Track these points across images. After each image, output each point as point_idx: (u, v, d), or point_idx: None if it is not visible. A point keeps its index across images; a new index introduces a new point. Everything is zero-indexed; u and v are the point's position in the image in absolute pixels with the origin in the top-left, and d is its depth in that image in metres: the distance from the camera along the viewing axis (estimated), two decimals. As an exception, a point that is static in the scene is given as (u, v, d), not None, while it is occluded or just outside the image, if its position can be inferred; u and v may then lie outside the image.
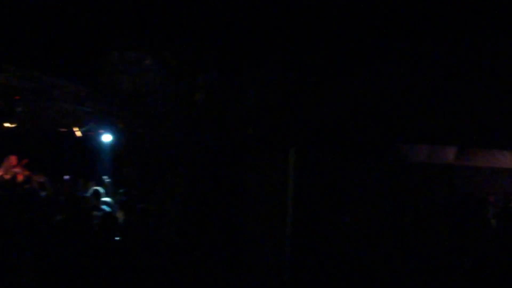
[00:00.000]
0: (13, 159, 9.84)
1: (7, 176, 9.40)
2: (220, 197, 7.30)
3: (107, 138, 11.09)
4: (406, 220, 7.00)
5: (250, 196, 7.43)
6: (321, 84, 7.29)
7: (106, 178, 10.18)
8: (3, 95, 8.47)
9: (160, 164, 9.75)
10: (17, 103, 8.77)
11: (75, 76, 8.14)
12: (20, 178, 9.52)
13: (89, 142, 11.48)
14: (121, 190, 9.74)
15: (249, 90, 7.14)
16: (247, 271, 6.94)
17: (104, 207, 8.09)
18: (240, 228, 7.37)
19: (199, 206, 7.09)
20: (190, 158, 6.80)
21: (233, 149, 7.05)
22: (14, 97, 8.64)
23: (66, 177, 10.27)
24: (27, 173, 9.84)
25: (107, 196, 9.00)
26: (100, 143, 11.23)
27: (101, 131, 11.02)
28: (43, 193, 8.56)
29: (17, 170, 9.68)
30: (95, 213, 7.09)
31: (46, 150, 11.53)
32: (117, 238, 6.02)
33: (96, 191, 8.56)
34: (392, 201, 7.39)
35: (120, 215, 7.38)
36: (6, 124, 9.16)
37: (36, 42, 6.70)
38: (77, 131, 10.99)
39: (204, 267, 6.54)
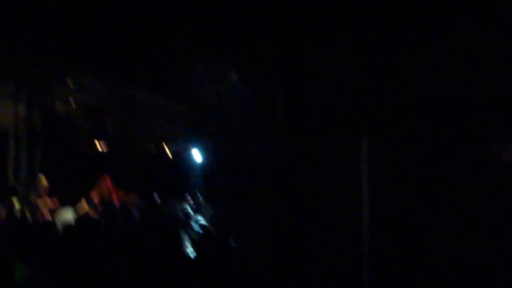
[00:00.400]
0: (107, 180, 9.89)
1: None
2: (299, 201, 6.79)
3: (196, 154, 10.92)
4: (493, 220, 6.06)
5: (323, 194, 6.87)
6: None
7: (197, 195, 9.95)
8: (93, 115, 8.46)
9: (246, 177, 9.59)
10: (107, 123, 8.72)
11: (159, 90, 7.95)
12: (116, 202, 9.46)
13: (180, 159, 11.41)
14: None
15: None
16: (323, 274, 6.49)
17: (194, 225, 8.00)
18: (315, 230, 6.87)
19: (284, 215, 6.64)
20: (272, 167, 6.46)
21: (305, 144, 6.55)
22: (105, 118, 8.60)
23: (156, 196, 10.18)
24: (120, 194, 9.87)
25: (198, 213, 8.93)
26: (190, 160, 11.14)
27: (191, 147, 10.87)
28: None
29: (111, 191, 9.52)
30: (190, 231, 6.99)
31: (137, 168, 11.59)
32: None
33: (187, 209, 8.32)
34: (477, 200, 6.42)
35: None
36: (97, 145, 9.13)
37: (119, 57, 6.58)
38: (167, 148, 10.83)
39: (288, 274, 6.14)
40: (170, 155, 11.04)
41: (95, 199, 9.21)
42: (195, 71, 7.64)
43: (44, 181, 7.79)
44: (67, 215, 7.53)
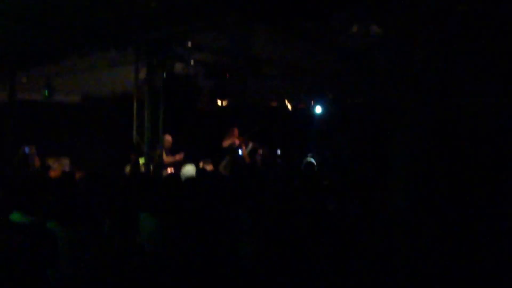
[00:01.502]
0: (235, 131, 10.12)
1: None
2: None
3: (318, 110, 10.74)
4: None
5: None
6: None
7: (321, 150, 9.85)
8: (215, 74, 8.51)
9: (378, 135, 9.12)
10: (228, 81, 8.74)
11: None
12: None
13: (300, 115, 11.29)
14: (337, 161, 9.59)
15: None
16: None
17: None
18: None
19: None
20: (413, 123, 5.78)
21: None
22: (225, 76, 8.62)
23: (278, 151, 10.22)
24: (250, 144, 10.04)
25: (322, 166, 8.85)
26: (311, 116, 11.00)
27: (312, 103, 10.69)
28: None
29: (240, 140, 9.89)
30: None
31: (258, 125, 11.64)
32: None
33: (311, 164, 8.17)
34: None
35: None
36: (219, 102, 9.22)
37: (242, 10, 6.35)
38: (288, 104, 10.68)
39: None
40: (291, 108, 10.89)
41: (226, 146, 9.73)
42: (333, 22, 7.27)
43: (167, 139, 8.07)
44: (191, 170, 7.79)
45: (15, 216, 4.35)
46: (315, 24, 6.78)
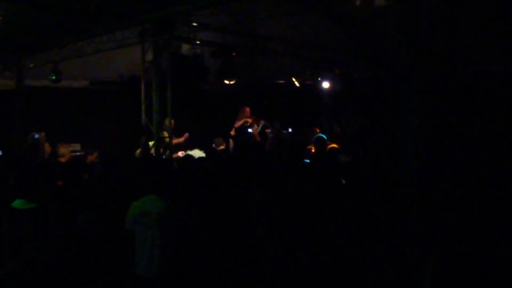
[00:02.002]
0: (247, 110, 10.19)
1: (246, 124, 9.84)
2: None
3: (325, 85, 10.64)
4: None
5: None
6: None
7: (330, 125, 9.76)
8: (221, 53, 8.40)
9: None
10: (235, 60, 8.64)
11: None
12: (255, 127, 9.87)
13: (308, 91, 11.22)
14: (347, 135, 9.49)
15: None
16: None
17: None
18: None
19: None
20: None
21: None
22: (231, 55, 8.51)
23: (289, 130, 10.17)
24: (262, 122, 10.14)
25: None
26: (319, 91, 10.89)
27: (319, 79, 10.55)
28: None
29: (252, 119, 9.99)
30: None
31: (266, 103, 11.58)
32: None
33: (320, 138, 8.17)
34: None
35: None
36: (226, 81, 9.20)
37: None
38: (295, 81, 10.58)
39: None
40: (298, 85, 10.79)
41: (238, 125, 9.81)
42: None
43: (172, 122, 8.02)
44: (197, 154, 7.78)
45: (18, 203, 4.39)
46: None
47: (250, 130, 9.52)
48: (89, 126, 10.15)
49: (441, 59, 5.54)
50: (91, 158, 7.53)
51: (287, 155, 6.78)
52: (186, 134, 9.22)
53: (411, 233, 4.22)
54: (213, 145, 8.94)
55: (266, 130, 9.66)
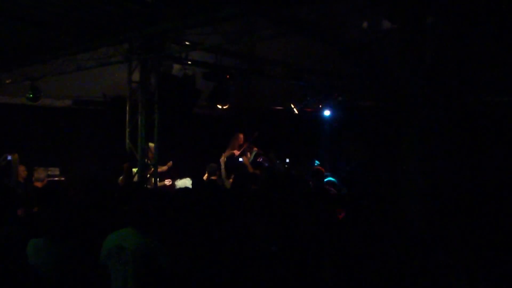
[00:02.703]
0: (240, 137, 10.06)
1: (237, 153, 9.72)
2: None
3: (326, 113, 10.62)
4: None
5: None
6: None
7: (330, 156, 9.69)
8: (214, 75, 8.31)
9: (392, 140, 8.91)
10: (229, 83, 8.54)
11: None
12: (248, 155, 9.79)
13: (307, 119, 11.22)
14: (348, 168, 9.45)
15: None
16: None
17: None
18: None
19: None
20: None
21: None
22: (225, 77, 8.42)
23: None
24: (255, 149, 10.02)
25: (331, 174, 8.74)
26: (319, 120, 11.03)
27: (320, 106, 10.62)
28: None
29: (245, 147, 9.89)
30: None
31: (262, 130, 11.52)
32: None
33: (318, 171, 8.03)
34: None
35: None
36: (218, 106, 9.06)
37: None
38: (294, 108, 10.51)
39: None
40: (296, 112, 10.71)
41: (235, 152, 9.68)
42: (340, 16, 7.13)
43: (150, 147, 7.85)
44: (187, 184, 7.59)
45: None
46: (318, 15, 6.67)
47: (240, 159, 9.38)
48: (69, 149, 9.94)
49: (446, 87, 5.54)
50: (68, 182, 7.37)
51: (282, 188, 6.64)
52: (170, 163, 9.07)
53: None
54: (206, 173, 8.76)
55: (258, 159, 9.55)
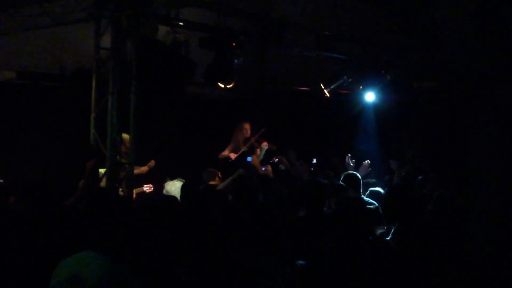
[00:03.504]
0: (246, 127, 10.25)
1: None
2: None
3: (369, 97, 10.77)
4: None
5: None
6: None
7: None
8: (214, 42, 8.29)
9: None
10: (235, 53, 8.52)
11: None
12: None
13: (343, 104, 11.32)
14: (403, 173, 9.46)
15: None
16: None
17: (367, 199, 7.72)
18: None
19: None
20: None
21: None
22: (230, 45, 8.40)
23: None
24: (266, 144, 10.23)
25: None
26: (359, 105, 11.14)
27: (361, 87, 10.74)
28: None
29: (252, 142, 10.10)
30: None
31: (280, 119, 11.50)
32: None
33: (351, 175, 8.02)
34: None
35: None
36: (220, 84, 9.04)
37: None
38: (324, 89, 10.55)
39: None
40: (328, 95, 10.73)
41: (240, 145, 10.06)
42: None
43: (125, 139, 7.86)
44: (179, 189, 7.56)
45: None
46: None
47: (249, 158, 9.42)
48: (10, 139, 9.88)
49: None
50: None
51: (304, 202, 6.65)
52: (152, 162, 9.17)
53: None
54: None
55: (273, 160, 9.55)
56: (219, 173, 8.92)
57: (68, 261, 4.23)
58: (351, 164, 9.26)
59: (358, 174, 8.01)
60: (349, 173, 8.05)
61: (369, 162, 9.33)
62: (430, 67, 9.85)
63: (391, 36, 8.82)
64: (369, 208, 6.86)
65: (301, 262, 4.96)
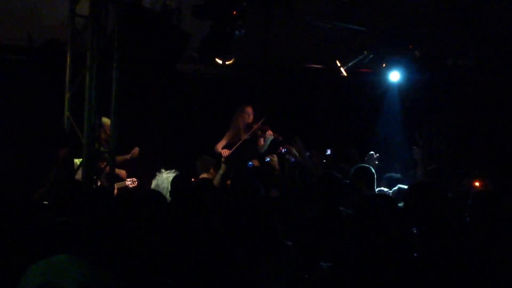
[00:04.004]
0: (248, 111, 10.32)
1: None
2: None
3: (394, 77, 10.86)
4: None
5: None
6: None
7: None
8: (211, 10, 8.37)
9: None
10: (236, 24, 8.60)
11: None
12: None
13: (362, 85, 11.42)
14: (412, 172, 9.57)
15: None
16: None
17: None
18: None
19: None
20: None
21: None
22: (230, 14, 8.49)
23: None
24: (270, 133, 10.30)
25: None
26: (382, 87, 11.24)
27: (384, 65, 10.82)
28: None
29: (255, 129, 10.21)
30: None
31: (289, 102, 11.59)
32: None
33: (365, 169, 8.01)
34: None
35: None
36: (217, 60, 9.15)
37: None
38: (340, 67, 10.58)
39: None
40: (345, 74, 10.81)
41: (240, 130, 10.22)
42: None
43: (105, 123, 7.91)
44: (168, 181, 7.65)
45: None
46: None
47: (250, 163, 9.60)
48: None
49: None
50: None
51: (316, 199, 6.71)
52: (136, 150, 9.31)
53: None
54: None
55: (280, 150, 9.63)
56: (214, 162, 9.01)
57: (38, 266, 4.31)
58: (376, 162, 9.20)
59: (372, 168, 7.99)
60: (361, 167, 8.01)
61: (377, 155, 9.35)
62: (468, 42, 9.93)
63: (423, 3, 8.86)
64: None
65: (325, 264, 5.07)
